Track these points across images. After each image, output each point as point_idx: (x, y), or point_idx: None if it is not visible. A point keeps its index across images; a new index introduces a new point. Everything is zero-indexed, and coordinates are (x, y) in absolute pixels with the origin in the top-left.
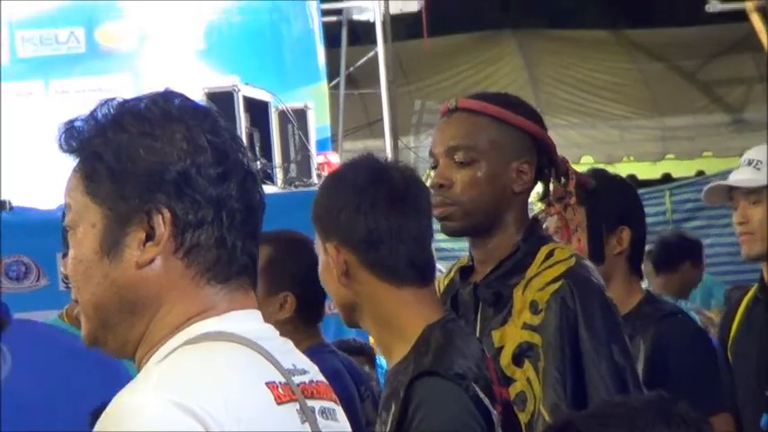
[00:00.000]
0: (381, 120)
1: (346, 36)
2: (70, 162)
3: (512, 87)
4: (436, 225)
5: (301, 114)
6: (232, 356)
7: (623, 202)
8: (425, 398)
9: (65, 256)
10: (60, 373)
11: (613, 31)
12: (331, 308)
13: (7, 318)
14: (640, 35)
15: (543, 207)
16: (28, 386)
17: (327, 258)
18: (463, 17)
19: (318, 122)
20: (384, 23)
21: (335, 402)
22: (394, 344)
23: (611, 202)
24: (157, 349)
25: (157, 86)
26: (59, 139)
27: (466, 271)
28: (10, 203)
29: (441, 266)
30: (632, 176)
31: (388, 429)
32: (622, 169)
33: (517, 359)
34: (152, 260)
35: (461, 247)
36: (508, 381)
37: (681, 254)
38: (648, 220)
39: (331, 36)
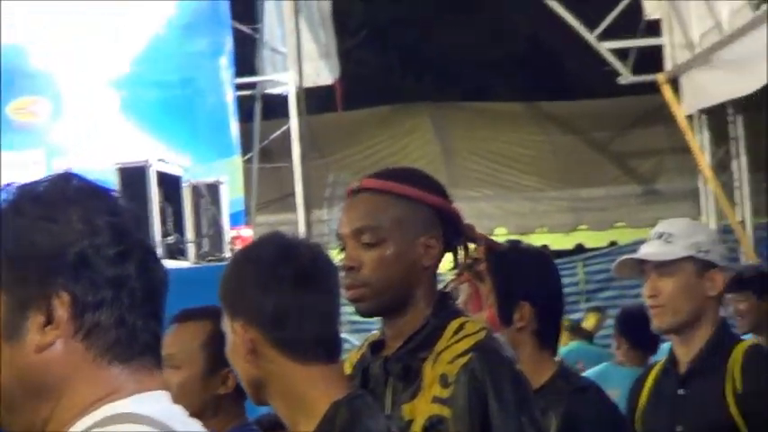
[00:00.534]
0: (293, 194)
1: (260, 110)
2: None
3: (425, 160)
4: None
5: (214, 188)
6: None
7: (523, 278)
8: None
9: None
10: None
11: (527, 104)
12: None
13: None
14: (554, 107)
15: (454, 277)
16: None
17: (234, 337)
18: (377, 90)
19: (232, 196)
20: (298, 97)
21: None
22: (301, 421)
23: (511, 277)
24: None
25: (70, 161)
26: None
27: (377, 345)
28: None
29: (353, 339)
30: (545, 247)
31: None
32: (536, 240)
33: None
34: (52, 343)
35: (373, 320)
36: None
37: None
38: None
39: (245, 110)
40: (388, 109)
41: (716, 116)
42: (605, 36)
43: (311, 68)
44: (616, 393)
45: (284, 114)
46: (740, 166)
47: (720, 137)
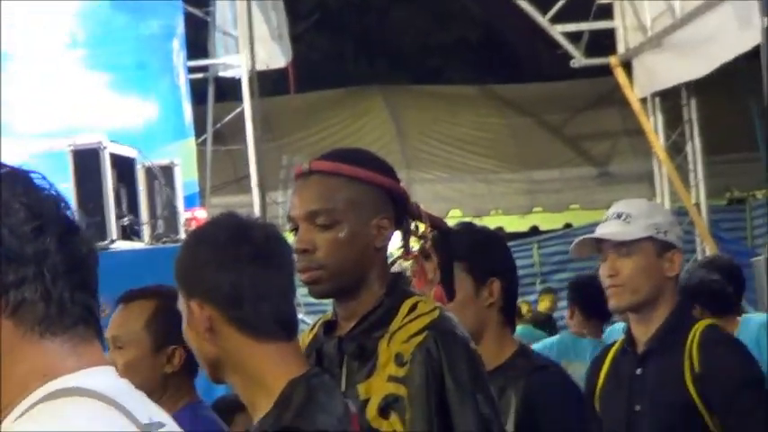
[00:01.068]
0: (248, 175)
1: (213, 93)
2: None
3: (380, 142)
4: (300, 280)
5: (168, 171)
6: (88, 412)
7: (493, 255)
8: None
9: None
10: None
11: (481, 87)
12: None
13: None
14: (507, 90)
15: (401, 254)
16: None
17: (191, 316)
18: (330, 73)
19: (186, 178)
20: (251, 80)
21: None
22: (258, 400)
23: (481, 254)
24: (11, 410)
25: (15, 141)
26: None
27: (330, 326)
28: None
29: (307, 319)
30: (500, 229)
31: None
32: (490, 222)
33: (383, 411)
34: None
35: (326, 301)
36: None
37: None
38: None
39: (198, 93)
40: (342, 92)
41: (669, 99)
42: (558, 19)
43: (263, 51)
44: (583, 366)
45: (237, 97)
46: (694, 148)
47: (674, 119)
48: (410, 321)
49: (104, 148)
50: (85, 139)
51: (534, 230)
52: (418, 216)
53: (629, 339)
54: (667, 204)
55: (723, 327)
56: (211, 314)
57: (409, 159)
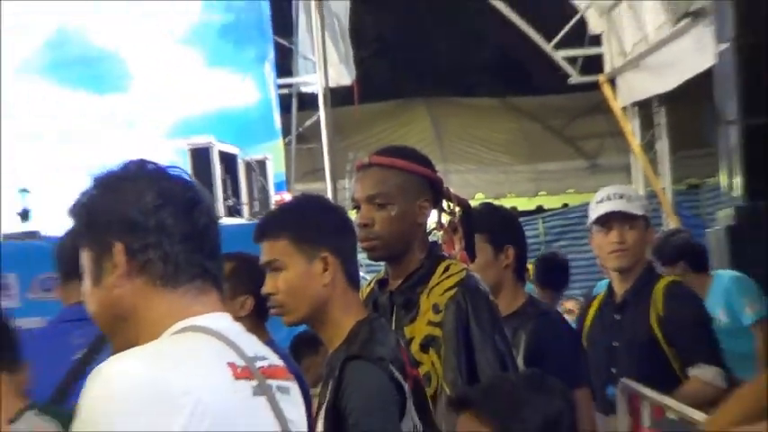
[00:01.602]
0: (323, 168)
1: (296, 104)
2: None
3: (423, 142)
4: (361, 247)
5: (262, 164)
6: (200, 342)
7: (509, 227)
8: (354, 376)
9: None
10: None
11: (500, 99)
12: None
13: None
14: (521, 101)
15: (435, 227)
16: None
17: (311, 269)
18: (385, 89)
19: (275, 170)
20: (325, 94)
21: (291, 381)
22: (334, 337)
23: (499, 227)
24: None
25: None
26: (69, 209)
27: (383, 282)
28: (39, 233)
29: (366, 277)
30: (514, 208)
31: (327, 399)
32: (506, 203)
33: (424, 348)
34: (119, 281)
35: (380, 262)
36: (417, 364)
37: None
38: (529, 241)
39: (284, 104)
40: (394, 103)
41: (644, 108)
42: (559, 46)
43: (334, 72)
44: None
45: (314, 107)
46: (662, 146)
47: (647, 124)
48: (444, 279)
49: (214, 146)
50: (200, 140)
51: (539, 209)
52: (449, 198)
53: (611, 292)
54: (641, 189)
55: (701, 280)
56: (337, 268)
57: (446, 155)
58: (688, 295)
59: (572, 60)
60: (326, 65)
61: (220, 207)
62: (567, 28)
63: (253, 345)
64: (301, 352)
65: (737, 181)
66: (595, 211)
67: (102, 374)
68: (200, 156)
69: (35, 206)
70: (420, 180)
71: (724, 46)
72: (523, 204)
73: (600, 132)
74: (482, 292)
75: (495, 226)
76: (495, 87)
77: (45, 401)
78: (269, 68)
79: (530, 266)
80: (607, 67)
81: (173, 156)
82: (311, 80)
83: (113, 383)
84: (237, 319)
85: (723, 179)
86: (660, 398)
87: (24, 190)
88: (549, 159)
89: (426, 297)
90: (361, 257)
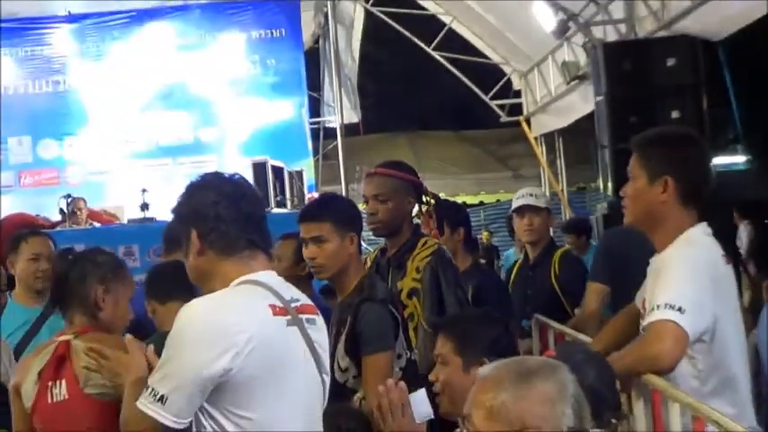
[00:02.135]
0: (340, 176)
1: (322, 134)
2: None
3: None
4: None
5: (299, 174)
6: (250, 291)
7: (462, 215)
8: (366, 311)
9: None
10: None
11: (455, 132)
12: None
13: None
14: (468, 133)
15: (417, 214)
16: None
17: (344, 243)
18: (379, 125)
19: (308, 178)
20: (340, 128)
21: (317, 314)
22: (347, 287)
23: (455, 215)
24: None
25: (229, 161)
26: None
27: (383, 251)
28: (155, 219)
29: (370, 248)
30: (464, 202)
31: (346, 328)
32: (459, 199)
33: (409, 296)
34: (198, 256)
35: (380, 240)
36: (405, 306)
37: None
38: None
39: (314, 134)
40: (385, 135)
41: (548, 138)
42: (494, 97)
43: (347, 114)
44: None
45: (334, 137)
46: (561, 162)
47: (551, 148)
48: (423, 250)
49: (268, 162)
50: (259, 158)
51: (481, 203)
52: (427, 194)
53: (526, 257)
54: (547, 191)
55: (585, 246)
56: (355, 242)
57: (420, 169)
58: (575, 260)
59: (502, 107)
60: (342, 110)
61: (271, 201)
62: (498, 85)
63: (290, 291)
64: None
65: (609, 185)
66: (515, 204)
67: (181, 313)
68: (259, 168)
69: (152, 200)
70: (408, 184)
71: (600, 98)
72: (470, 200)
73: (520, 154)
74: (447, 258)
75: (450, 214)
76: (452, 124)
77: None
78: (305, 112)
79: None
80: (525, 111)
81: (242, 168)
82: (332, 119)
83: (183, 320)
84: (297, 276)
85: (600, 184)
86: (561, 327)
87: (144, 190)
88: (487, 171)
89: (411, 262)
90: (367, 234)
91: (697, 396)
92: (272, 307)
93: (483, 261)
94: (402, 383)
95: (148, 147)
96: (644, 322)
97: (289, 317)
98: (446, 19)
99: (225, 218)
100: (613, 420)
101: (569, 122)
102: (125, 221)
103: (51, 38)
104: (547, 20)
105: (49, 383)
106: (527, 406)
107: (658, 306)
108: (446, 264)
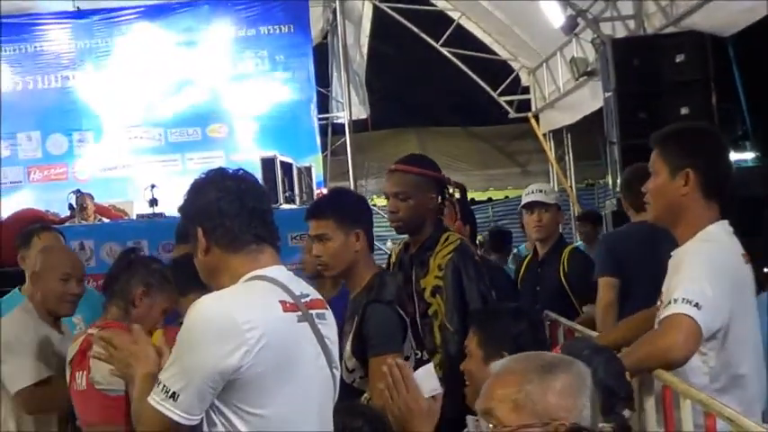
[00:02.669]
0: (348, 172)
1: (330, 130)
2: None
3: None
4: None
5: (308, 169)
6: (260, 287)
7: (469, 212)
8: (373, 313)
9: (163, 248)
10: None
11: (464, 128)
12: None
13: None
14: (477, 129)
15: (442, 203)
16: None
17: (348, 240)
18: (387, 121)
19: (317, 173)
20: (349, 124)
21: (327, 309)
22: (357, 284)
23: (468, 212)
24: None
25: (238, 157)
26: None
27: (406, 247)
28: (164, 214)
29: (390, 245)
30: (472, 198)
31: (353, 328)
32: (469, 195)
33: (433, 294)
34: (206, 252)
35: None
36: (429, 305)
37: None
38: (479, 221)
39: (323, 131)
40: (393, 131)
41: (557, 134)
42: (502, 93)
43: (355, 110)
44: None
45: (342, 133)
46: (569, 159)
47: (559, 144)
48: (444, 247)
49: (277, 158)
50: (268, 154)
51: (489, 200)
52: (450, 185)
53: (535, 253)
54: (555, 187)
55: (595, 237)
56: (363, 239)
57: None
58: (583, 258)
59: (510, 103)
60: (350, 105)
61: (280, 197)
62: (507, 81)
63: (300, 286)
64: None
65: (618, 181)
66: (524, 200)
67: (191, 310)
68: (268, 164)
69: (161, 196)
70: (429, 180)
71: (609, 94)
72: (479, 196)
73: (529, 150)
74: (470, 254)
75: (464, 210)
76: (460, 120)
77: None
78: (313, 107)
79: (480, 236)
80: (533, 108)
81: (250, 164)
82: (340, 115)
83: (194, 317)
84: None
85: (609, 180)
86: (570, 323)
87: (153, 186)
88: (495, 167)
89: (433, 259)
90: (389, 232)
91: (705, 392)
92: (283, 303)
93: (490, 253)
94: (402, 360)
95: (157, 142)
96: (660, 315)
97: (299, 312)
98: (454, 15)
99: (228, 213)
100: (626, 414)
101: (578, 119)
102: (134, 217)
103: (60, 33)
104: (555, 16)
105: (76, 373)
106: (552, 398)
107: (675, 300)
108: (468, 259)
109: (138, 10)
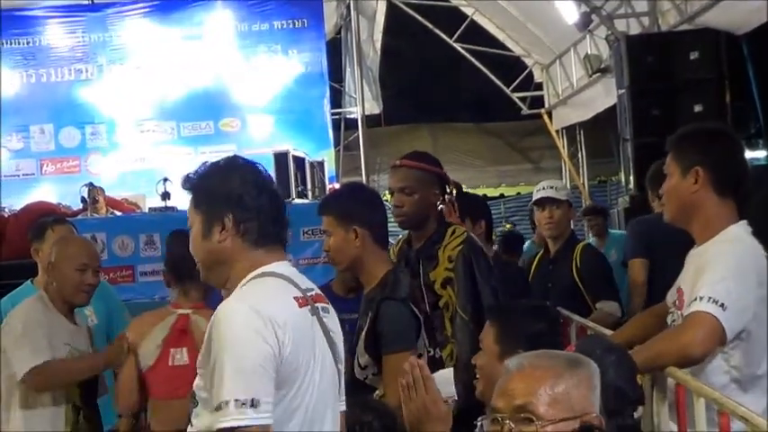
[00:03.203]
0: (360, 167)
1: (343, 125)
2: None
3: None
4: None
5: (321, 164)
6: (276, 284)
7: (483, 208)
8: (387, 310)
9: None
10: None
11: (476, 124)
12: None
13: None
14: (489, 126)
15: (442, 201)
16: None
17: (347, 236)
18: (400, 116)
19: (329, 168)
20: (362, 119)
21: (328, 303)
22: (368, 280)
23: (477, 208)
24: (240, 284)
25: (251, 151)
26: (183, 181)
27: (409, 243)
28: (176, 208)
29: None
30: (484, 195)
31: (367, 325)
32: (479, 191)
33: (443, 286)
34: (225, 239)
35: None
36: (439, 297)
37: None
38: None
39: (335, 125)
40: (406, 126)
41: (570, 131)
42: (515, 90)
43: (368, 105)
44: None
45: (355, 128)
46: (582, 155)
47: (572, 141)
48: (453, 239)
49: (290, 152)
50: (280, 148)
51: (501, 196)
52: (450, 183)
53: (546, 250)
54: (567, 184)
55: (602, 231)
56: (365, 235)
57: (443, 161)
58: (596, 254)
59: (523, 99)
60: (363, 101)
61: (292, 191)
62: (520, 78)
63: (304, 280)
64: None
65: (631, 178)
66: (535, 196)
67: (219, 315)
68: (281, 158)
69: (173, 190)
70: (433, 176)
71: (622, 91)
72: (491, 192)
73: (541, 146)
74: (478, 247)
75: (471, 206)
76: (473, 116)
77: None
78: (326, 102)
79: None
80: (546, 104)
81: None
82: (353, 110)
83: (229, 321)
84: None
85: (622, 177)
86: (583, 321)
87: (165, 179)
88: (507, 164)
89: (442, 252)
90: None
91: (724, 391)
92: (296, 299)
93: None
94: (422, 362)
95: (170, 136)
96: (683, 312)
97: (309, 307)
98: (468, 11)
99: (266, 211)
100: (635, 415)
101: (591, 115)
102: (146, 210)
103: (73, 27)
104: (569, 12)
105: (172, 350)
106: (584, 392)
107: (701, 298)
108: (478, 252)
109: (151, 4)
